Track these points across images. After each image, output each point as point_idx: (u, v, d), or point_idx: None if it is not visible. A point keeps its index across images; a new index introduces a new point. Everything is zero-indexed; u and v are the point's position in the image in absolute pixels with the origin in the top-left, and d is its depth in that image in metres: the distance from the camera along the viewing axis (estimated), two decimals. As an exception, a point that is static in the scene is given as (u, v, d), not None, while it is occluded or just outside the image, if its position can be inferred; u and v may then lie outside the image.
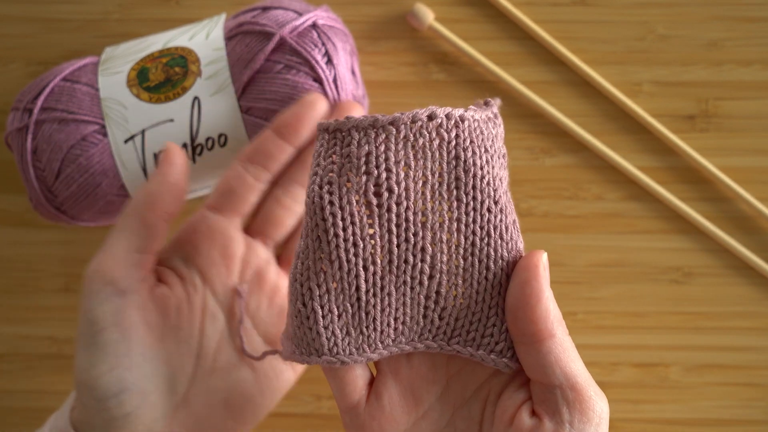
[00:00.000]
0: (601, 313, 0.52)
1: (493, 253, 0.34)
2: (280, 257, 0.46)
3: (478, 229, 0.33)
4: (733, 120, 0.52)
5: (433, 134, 0.33)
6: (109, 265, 0.39)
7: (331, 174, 0.33)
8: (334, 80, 0.45)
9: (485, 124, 0.34)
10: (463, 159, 0.33)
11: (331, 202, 0.33)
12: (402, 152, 0.33)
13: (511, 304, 0.33)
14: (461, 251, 0.33)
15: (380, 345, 0.34)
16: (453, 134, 0.33)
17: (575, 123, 0.51)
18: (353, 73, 0.47)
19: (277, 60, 0.45)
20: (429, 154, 0.33)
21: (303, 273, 0.34)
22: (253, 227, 0.45)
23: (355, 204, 0.33)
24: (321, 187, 0.33)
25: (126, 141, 0.45)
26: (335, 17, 0.47)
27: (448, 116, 0.33)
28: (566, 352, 0.33)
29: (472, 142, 0.33)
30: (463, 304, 0.34)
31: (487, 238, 0.33)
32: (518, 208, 0.52)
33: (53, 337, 0.53)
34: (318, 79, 0.45)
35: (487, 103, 0.35)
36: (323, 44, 0.45)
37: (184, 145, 0.45)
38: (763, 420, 0.51)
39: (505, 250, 0.34)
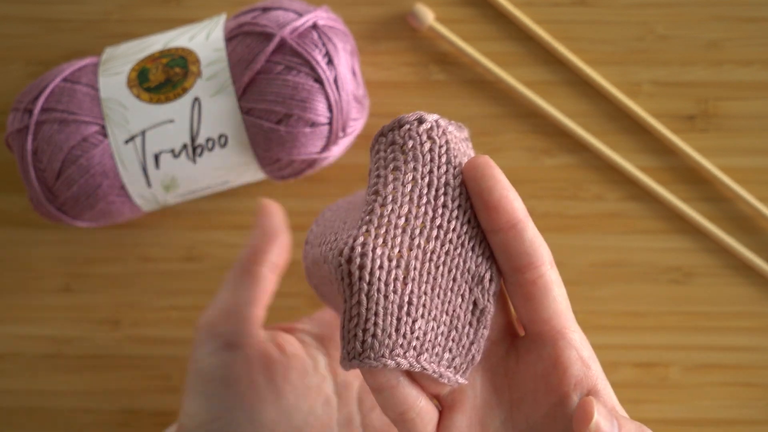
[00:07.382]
0: (601, 313, 0.52)
1: (462, 264, 0.31)
2: None
3: (455, 238, 0.31)
4: (733, 120, 0.52)
5: (424, 137, 0.31)
6: (217, 318, 0.39)
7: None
8: (335, 81, 0.45)
9: (463, 141, 0.33)
10: (453, 165, 0.31)
11: None
12: (391, 155, 0.31)
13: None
14: (434, 259, 0.31)
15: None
16: (443, 140, 0.31)
17: (575, 123, 0.51)
18: (354, 73, 0.47)
19: (278, 61, 0.45)
20: (420, 156, 0.31)
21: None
22: None
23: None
24: None
25: (126, 142, 0.45)
26: (335, 17, 0.47)
27: (437, 123, 0.32)
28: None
29: (459, 149, 0.32)
30: (430, 316, 0.31)
31: (460, 248, 0.31)
32: (518, 208, 0.52)
33: (53, 337, 0.53)
34: (318, 80, 0.45)
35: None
36: (324, 45, 0.45)
37: (184, 146, 0.45)
38: (763, 420, 0.51)
39: (473, 263, 0.32)
